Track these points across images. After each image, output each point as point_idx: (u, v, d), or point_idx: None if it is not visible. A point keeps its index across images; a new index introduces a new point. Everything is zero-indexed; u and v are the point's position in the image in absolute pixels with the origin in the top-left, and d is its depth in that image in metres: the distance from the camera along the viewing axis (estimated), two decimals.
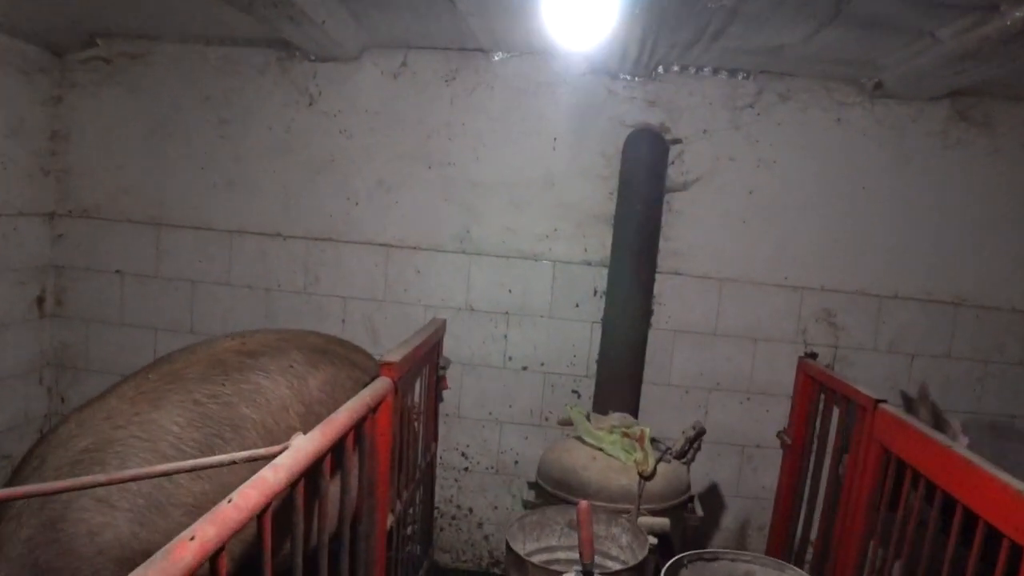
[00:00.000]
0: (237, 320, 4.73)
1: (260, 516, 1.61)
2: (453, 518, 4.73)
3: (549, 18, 3.57)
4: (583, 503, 2.58)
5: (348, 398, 2.76)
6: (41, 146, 4.75)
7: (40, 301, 4.93)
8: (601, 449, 3.47)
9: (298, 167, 4.63)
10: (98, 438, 2.41)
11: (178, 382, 2.67)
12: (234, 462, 1.83)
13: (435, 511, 4.41)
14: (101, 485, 1.88)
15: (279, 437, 2.56)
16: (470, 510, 4.72)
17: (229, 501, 1.48)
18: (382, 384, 2.65)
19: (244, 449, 2.46)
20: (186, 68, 4.64)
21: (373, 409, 2.49)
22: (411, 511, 3.60)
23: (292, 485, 1.80)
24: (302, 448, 1.87)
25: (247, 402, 2.71)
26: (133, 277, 4.88)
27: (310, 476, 1.91)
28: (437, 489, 4.38)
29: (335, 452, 2.13)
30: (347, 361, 3.29)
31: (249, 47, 4.55)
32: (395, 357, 2.86)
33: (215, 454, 2.40)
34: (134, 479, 1.96)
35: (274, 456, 1.80)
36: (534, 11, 3.54)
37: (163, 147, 4.72)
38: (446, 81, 4.47)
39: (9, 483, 2.48)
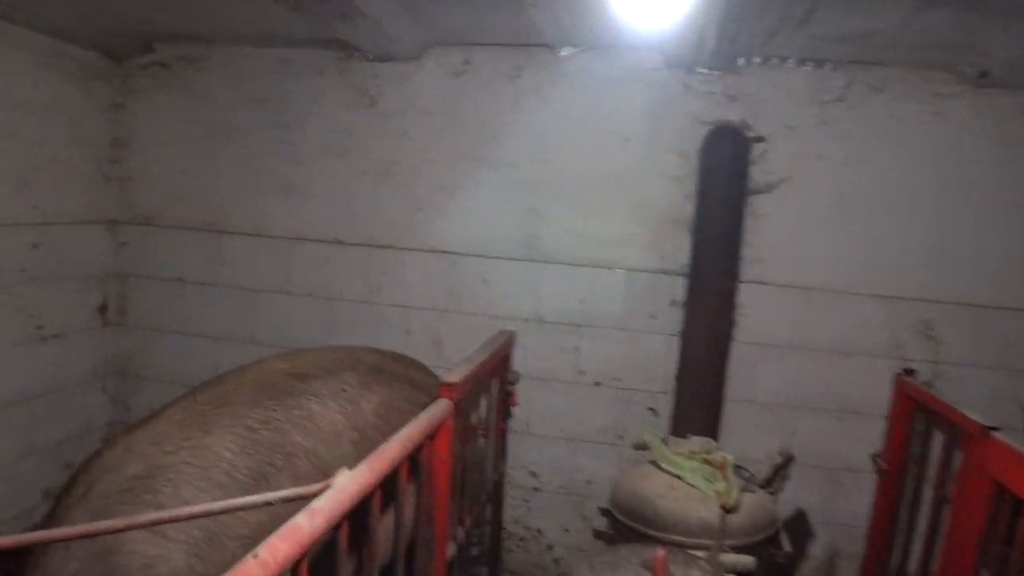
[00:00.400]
0: (297, 330, 4.92)
1: (294, 570, 1.55)
2: (522, 539, 4.81)
3: (620, 8, 3.55)
4: (660, 553, 2.60)
5: (404, 421, 2.80)
6: (102, 153, 5.01)
7: (103, 309, 5.21)
8: (679, 477, 3.46)
9: (358, 171, 4.76)
10: (148, 464, 2.43)
11: (228, 406, 2.73)
12: (269, 503, 1.82)
13: (503, 532, 4.51)
14: (132, 528, 1.89)
15: (331, 467, 2.55)
16: (539, 531, 4.79)
17: (254, 556, 1.40)
18: (441, 407, 2.67)
19: (296, 478, 2.59)
20: (243, 71, 4.82)
21: (431, 435, 2.53)
22: (477, 531, 3.68)
23: (335, 527, 1.74)
24: (345, 488, 1.81)
25: (299, 429, 2.76)
26: (194, 285, 5.11)
27: (356, 515, 1.86)
28: (505, 509, 4.48)
29: (386, 487, 2.09)
30: (403, 380, 3.36)
31: (307, 48, 4.69)
32: (456, 377, 2.89)
33: (267, 483, 2.53)
34: (156, 523, 1.92)
35: (314, 495, 1.75)
36: (603, 1, 3.52)
37: (221, 152, 4.93)
38: (510, 79, 4.53)
39: (54, 510, 2.50)
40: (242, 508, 1.86)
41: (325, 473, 2.45)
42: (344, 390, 3.04)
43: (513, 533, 4.80)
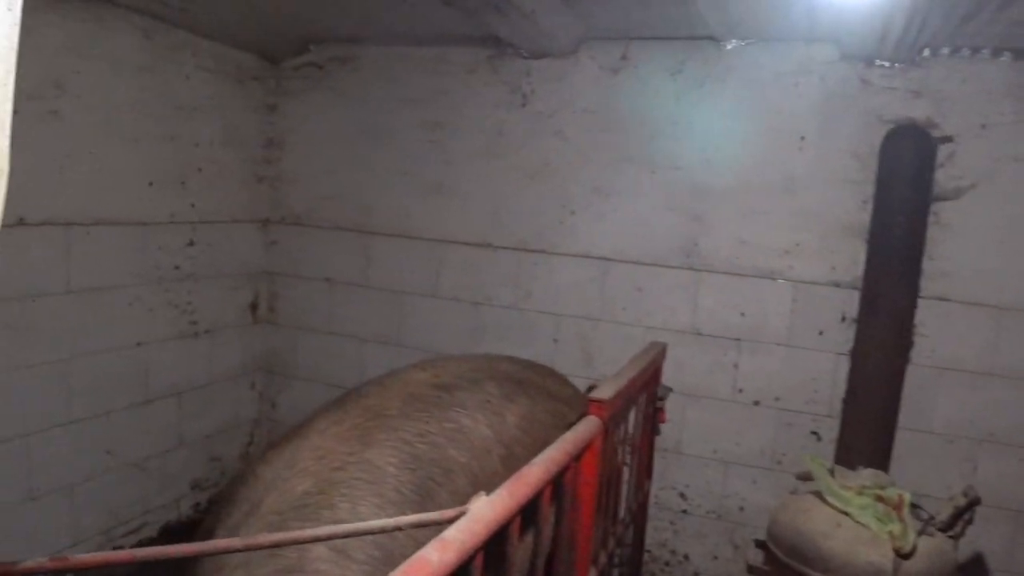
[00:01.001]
0: (443, 334, 5.30)
1: None
2: (666, 564, 5.00)
3: None
4: None
5: (546, 435, 2.99)
6: (256, 154, 5.57)
7: (253, 307, 5.80)
8: (847, 513, 3.43)
9: (509, 172, 5.08)
10: (318, 480, 2.51)
11: (380, 419, 2.85)
12: (399, 528, 1.87)
13: (645, 555, 4.70)
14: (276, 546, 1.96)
15: (483, 484, 2.72)
16: (686, 557, 4.96)
17: None
18: (589, 425, 2.72)
19: (455, 494, 2.66)
20: (395, 70, 5.25)
21: (576, 457, 2.57)
22: (618, 553, 3.81)
23: (469, 559, 1.74)
24: (482, 516, 1.81)
25: (453, 443, 2.87)
26: (342, 285, 5.60)
27: (491, 541, 1.86)
28: (650, 531, 4.66)
29: (526, 511, 2.09)
30: (543, 391, 3.52)
31: (458, 46, 5.05)
32: (606, 393, 2.97)
33: (431, 499, 2.60)
34: (295, 542, 1.97)
35: (447, 521, 1.79)
36: None
37: (371, 152, 5.38)
38: (671, 75, 4.71)
39: (210, 525, 2.60)
40: (371, 532, 1.93)
41: (478, 490, 2.62)
42: (488, 401, 3.17)
43: (657, 557, 4.99)
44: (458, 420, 3.00)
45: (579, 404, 3.62)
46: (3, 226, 1.20)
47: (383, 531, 1.92)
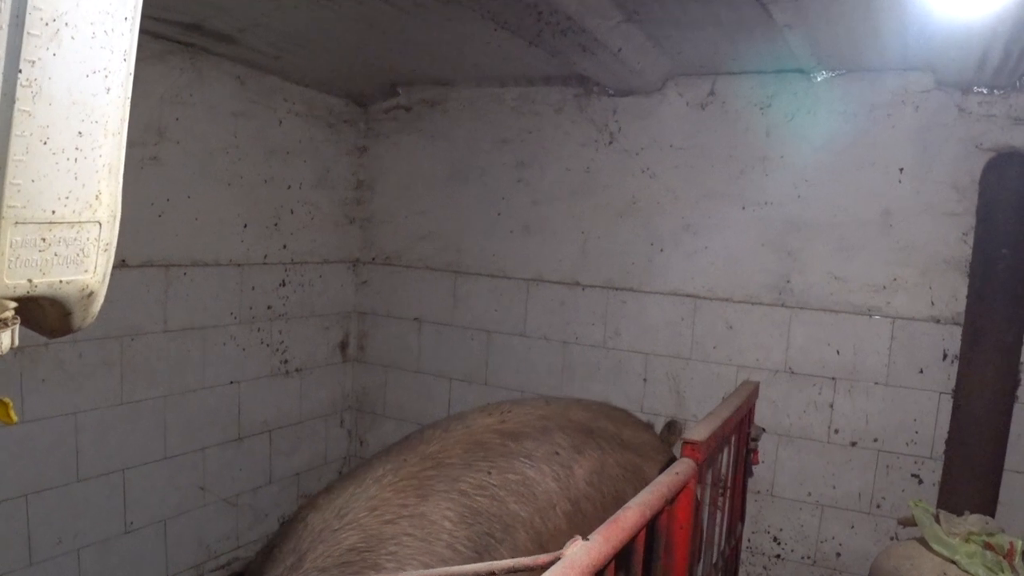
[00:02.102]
0: (531, 373, 5.36)
1: None
2: None
3: (887, 24, 3.61)
4: None
5: (616, 489, 2.95)
6: (346, 195, 5.76)
7: (343, 346, 5.95)
8: (954, 562, 3.37)
9: (597, 210, 5.14)
10: (367, 534, 2.44)
11: (440, 468, 2.76)
12: (493, 573, 1.84)
13: None
14: None
15: (546, 541, 2.73)
16: None
17: None
18: (683, 468, 2.73)
19: (515, 552, 2.61)
20: (482, 111, 5.38)
21: (670, 500, 2.58)
22: None
23: None
24: (578, 561, 1.80)
25: (515, 497, 2.78)
26: (430, 325, 5.71)
27: None
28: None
29: (620, 557, 2.11)
30: (615, 442, 3.40)
31: (545, 86, 5.16)
32: (700, 435, 2.97)
33: (489, 556, 2.53)
34: None
35: (543, 568, 1.77)
36: (869, 15, 3.57)
37: (460, 192, 5.51)
38: (760, 109, 4.72)
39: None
40: None
41: (541, 547, 2.63)
42: (557, 453, 3.08)
43: None
44: (523, 471, 2.92)
45: (655, 452, 3.59)
46: None
47: None
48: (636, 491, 3.02)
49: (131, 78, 1.15)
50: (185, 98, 4.54)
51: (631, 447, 3.42)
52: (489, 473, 2.81)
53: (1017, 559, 3.32)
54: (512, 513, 2.72)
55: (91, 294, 1.20)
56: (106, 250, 1.20)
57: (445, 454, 2.85)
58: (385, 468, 2.75)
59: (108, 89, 1.12)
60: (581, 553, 1.84)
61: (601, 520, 2.73)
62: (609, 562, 1.99)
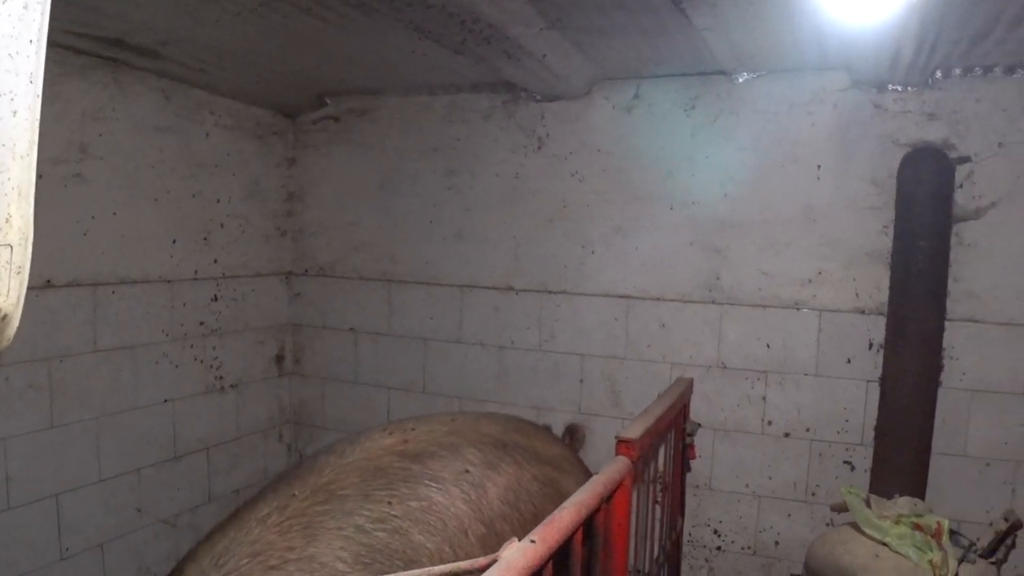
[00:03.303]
0: (469, 379, 5.35)
1: None
2: None
3: (803, 25, 3.68)
4: None
5: (534, 506, 2.86)
6: (277, 207, 5.69)
7: (279, 359, 5.87)
8: (885, 544, 3.43)
9: (528, 215, 5.15)
10: None
11: (333, 501, 2.51)
12: None
13: None
14: None
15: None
16: None
17: None
18: (618, 466, 2.74)
19: None
20: (411, 120, 5.36)
21: (607, 498, 2.59)
22: None
23: None
24: (514, 563, 1.80)
25: (420, 526, 2.55)
26: (367, 335, 5.66)
27: None
28: (685, 570, 4.66)
29: (557, 557, 2.08)
30: (530, 455, 3.20)
31: (473, 93, 5.16)
32: (634, 433, 2.99)
33: None
34: None
35: (480, 571, 1.77)
36: (785, 18, 3.63)
37: (392, 202, 5.47)
38: (685, 111, 4.78)
39: None
40: None
41: None
42: (467, 471, 2.85)
43: None
44: (428, 496, 2.66)
45: (570, 464, 3.48)
46: (30, 288, 1.26)
47: None
48: (556, 506, 3.02)
49: (39, 100, 1.13)
50: (108, 113, 4.43)
51: (546, 460, 3.24)
52: (390, 503, 2.56)
53: (944, 538, 3.39)
54: (417, 545, 2.49)
55: (4, 317, 1.16)
56: (19, 273, 1.17)
57: (339, 484, 2.60)
58: (271, 506, 2.48)
59: (15, 112, 1.09)
60: (517, 555, 1.84)
61: None
62: (546, 563, 1.98)
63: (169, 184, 4.85)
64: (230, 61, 4.53)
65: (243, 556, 2.25)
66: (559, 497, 3.02)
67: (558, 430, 4.78)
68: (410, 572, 1.84)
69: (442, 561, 2.48)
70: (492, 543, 2.62)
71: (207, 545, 2.38)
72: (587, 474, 3.49)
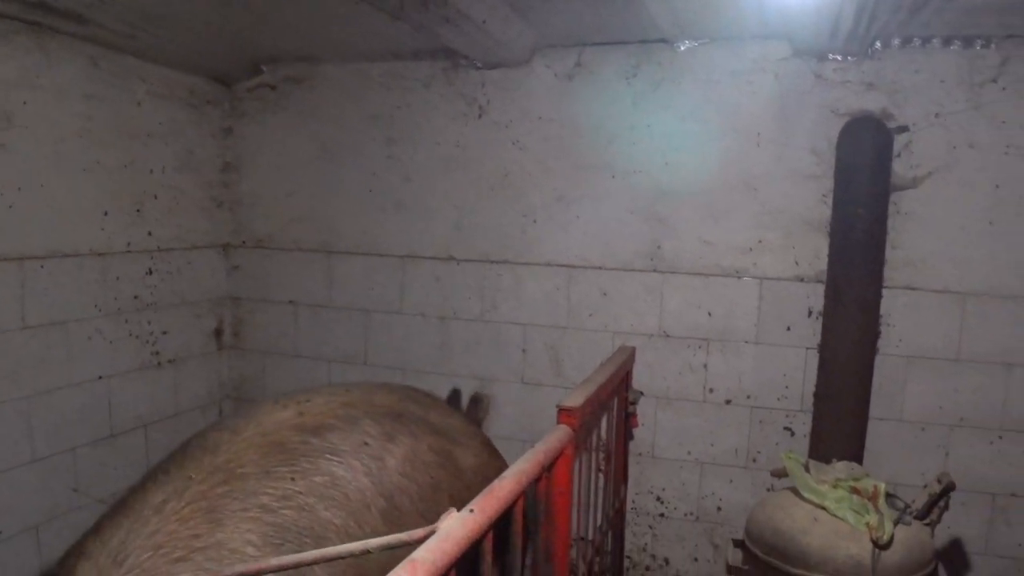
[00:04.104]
0: (411, 351, 5.27)
1: None
2: (647, 569, 4.96)
3: None
4: None
5: (431, 477, 2.80)
6: (213, 178, 5.52)
7: (218, 333, 5.73)
8: (824, 508, 3.46)
9: (470, 184, 5.07)
10: None
11: (233, 481, 2.38)
12: (368, 551, 1.74)
13: (626, 561, 4.68)
14: None
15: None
16: (666, 561, 4.93)
17: None
18: (560, 435, 2.71)
19: (331, 567, 2.29)
20: (350, 88, 5.23)
21: (548, 467, 2.55)
22: (598, 562, 3.80)
23: None
24: (452, 534, 1.77)
25: (325, 502, 2.47)
26: (307, 307, 5.55)
27: (464, 562, 1.81)
28: (628, 536, 4.66)
29: (499, 526, 2.04)
30: (425, 426, 3.14)
31: (413, 60, 5.04)
32: (576, 401, 2.97)
33: None
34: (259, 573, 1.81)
35: (417, 542, 1.72)
36: None
37: (331, 171, 5.35)
38: (626, 79, 4.73)
39: None
40: (336, 558, 1.78)
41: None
42: (366, 443, 2.76)
43: (638, 562, 4.96)
44: (331, 471, 2.58)
45: (466, 437, 3.41)
46: None
47: (351, 555, 1.76)
48: (450, 478, 2.97)
49: None
50: (33, 81, 4.23)
51: (440, 431, 3.17)
52: (292, 479, 2.45)
53: (880, 501, 3.42)
54: (324, 522, 2.40)
55: None
56: None
57: (237, 462, 2.45)
58: (166, 492, 2.31)
59: None
60: (456, 525, 1.81)
61: (418, 515, 2.69)
62: (486, 532, 1.95)
63: (99, 154, 4.66)
64: (162, 26, 4.35)
65: (144, 550, 2.10)
66: (454, 469, 3.04)
67: (505, 399, 4.75)
68: (344, 546, 1.78)
69: (349, 536, 2.42)
70: (393, 516, 2.57)
71: (99, 539, 2.20)
72: (486, 445, 3.50)
